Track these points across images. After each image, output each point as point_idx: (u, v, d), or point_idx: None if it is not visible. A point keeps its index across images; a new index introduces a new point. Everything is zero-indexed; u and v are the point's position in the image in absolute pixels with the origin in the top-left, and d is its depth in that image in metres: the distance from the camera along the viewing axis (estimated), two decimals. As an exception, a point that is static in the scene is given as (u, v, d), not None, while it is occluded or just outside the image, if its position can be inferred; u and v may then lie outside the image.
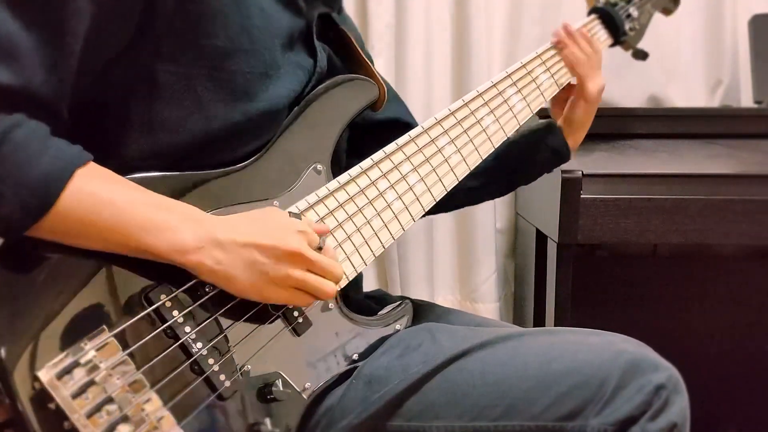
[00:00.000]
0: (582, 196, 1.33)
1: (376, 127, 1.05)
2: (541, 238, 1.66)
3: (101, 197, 0.69)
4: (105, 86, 0.76)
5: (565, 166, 1.34)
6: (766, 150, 1.50)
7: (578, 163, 1.37)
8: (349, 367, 0.86)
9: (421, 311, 1.02)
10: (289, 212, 0.81)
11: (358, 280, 1.01)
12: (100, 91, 0.76)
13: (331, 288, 0.79)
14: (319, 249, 0.79)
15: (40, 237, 0.68)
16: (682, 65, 1.84)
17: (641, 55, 1.34)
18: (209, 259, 0.73)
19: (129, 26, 0.75)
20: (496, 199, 1.83)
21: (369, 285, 1.77)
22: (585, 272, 1.60)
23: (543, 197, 1.48)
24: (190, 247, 0.72)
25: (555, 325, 1.43)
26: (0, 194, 0.65)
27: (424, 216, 0.94)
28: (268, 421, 0.78)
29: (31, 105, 0.69)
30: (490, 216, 1.80)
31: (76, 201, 0.68)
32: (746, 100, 1.82)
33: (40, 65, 0.68)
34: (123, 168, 0.74)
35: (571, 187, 1.33)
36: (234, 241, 0.73)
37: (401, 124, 1.07)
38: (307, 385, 0.82)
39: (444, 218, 1.82)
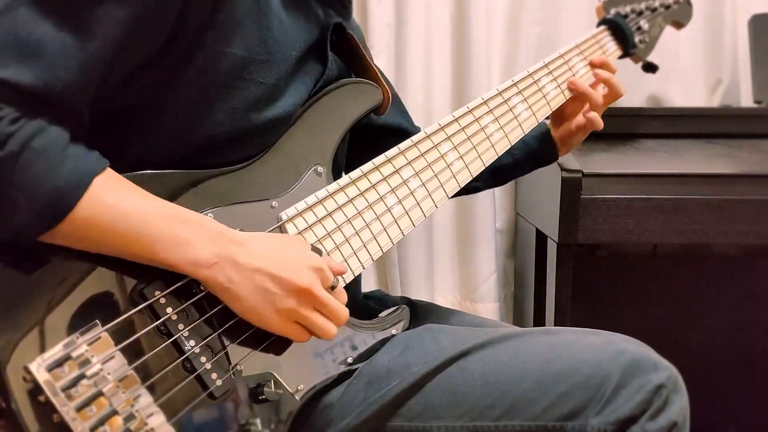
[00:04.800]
0: (582, 196, 1.33)
1: (374, 133, 1.05)
2: (541, 238, 1.66)
3: (117, 209, 0.69)
4: (127, 91, 0.76)
5: (564, 166, 1.34)
6: (766, 150, 1.50)
7: (578, 163, 1.37)
8: (343, 369, 0.86)
9: (421, 311, 1.02)
10: (312, 246, 0.81)
11: (356, 282, 1.01)
12: (122, 95, 0.76)
13: (333, 331, 0.78)
14: (332, 288, 0.78)
15: (55, 243, 0.68)
16: (682, 65, 1.84)
17: (651, 68, 1.34)
18: (222, 276, 0.73)
19: (162, 33, 0.74)
20: (496, 199, 1.83)
21: (369, 285, 1.77)
22: (585, 272, 1.61)
23: (543, 197, 1.48)
24: (204, 262, 0.72)
25: (555, 325, 1.43)
26: (15, 203, 0.65)
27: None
28: (259, 421, 0.78)
29: (53, 108, 0.68)
30: (490, 216, 1.80)
31: (92, 211, 0.68)
32: (746, 100, 1.82)
33: (65, 67, 0.68)
34: (121, 167, 0.73)
35: (571, 187, 1.33)
36: (249, 264, 0.73)
37: (401, 132, 1.06)
38: (300, 386, 0.82)
39: (444, 218, 1.82)
